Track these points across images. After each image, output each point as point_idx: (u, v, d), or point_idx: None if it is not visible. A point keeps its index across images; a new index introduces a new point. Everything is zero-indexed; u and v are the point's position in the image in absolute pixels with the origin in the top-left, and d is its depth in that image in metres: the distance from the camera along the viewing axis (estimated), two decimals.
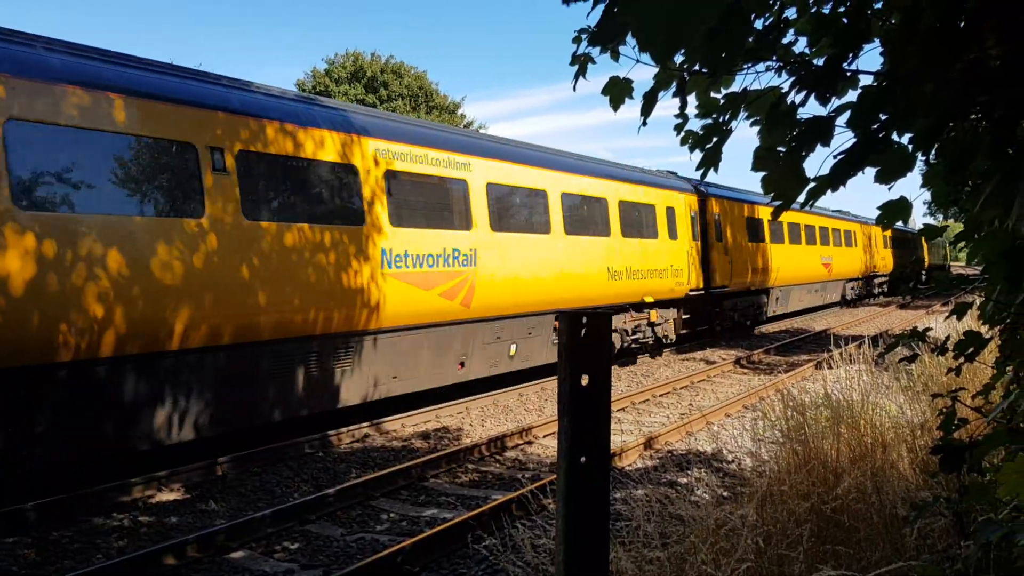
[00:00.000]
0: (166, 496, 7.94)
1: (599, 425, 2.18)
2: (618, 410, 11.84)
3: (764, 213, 22.40)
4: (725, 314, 20.55)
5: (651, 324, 16.77)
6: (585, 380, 2.17)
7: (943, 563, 3.26)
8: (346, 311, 9.67)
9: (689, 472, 7.40)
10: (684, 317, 18.31)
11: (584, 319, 2.16)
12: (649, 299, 16.25)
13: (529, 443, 9.88)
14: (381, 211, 10.27)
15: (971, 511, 3.69)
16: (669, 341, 17.92)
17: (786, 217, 24.25)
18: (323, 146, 9.59)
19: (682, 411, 11.71)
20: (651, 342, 17.10)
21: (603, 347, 2.22)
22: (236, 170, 8.56)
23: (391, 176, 10.54)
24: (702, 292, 18.47)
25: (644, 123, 2.81)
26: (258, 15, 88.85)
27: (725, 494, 5.90)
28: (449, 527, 6.26)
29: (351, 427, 10.52)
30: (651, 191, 16.82)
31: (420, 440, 10.27)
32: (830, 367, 8.10)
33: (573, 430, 2.12)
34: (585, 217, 14.71)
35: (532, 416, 11.41)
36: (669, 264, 17.07)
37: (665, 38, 0.77)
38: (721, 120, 2.77)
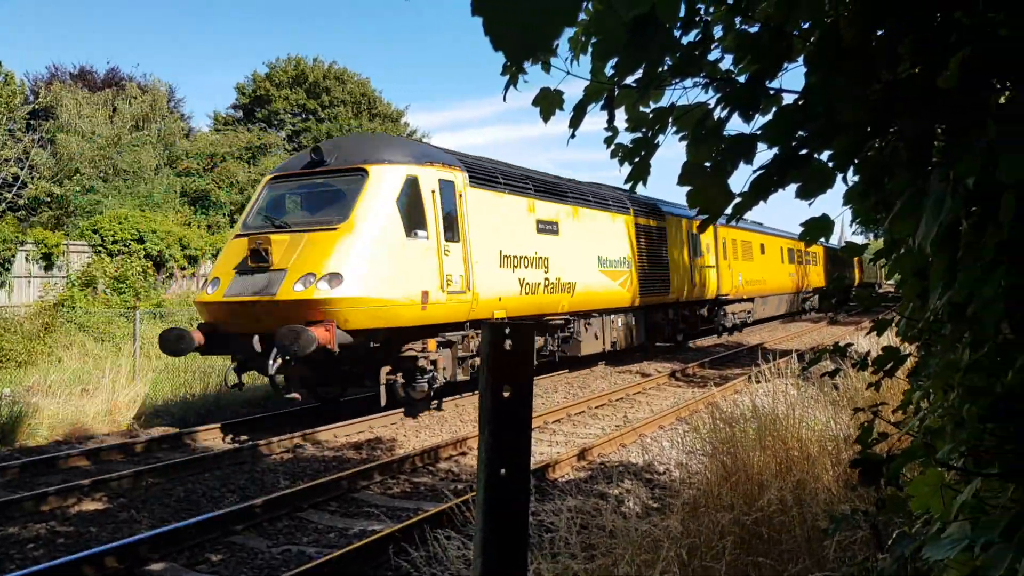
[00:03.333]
0: (87, 506, 7.69)
1: (520, 437, 2.16)
2: (553, 422, 11.87)
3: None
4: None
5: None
6: (507, 392, 2.15)
7: (860, 575, 3.32)
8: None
9: (620, 484, 7.44)
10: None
11: (507, 330, 2.14)
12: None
13: (463, 454, 9.83)
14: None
15: (889, 524, 3.77)
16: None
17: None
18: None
19: (617, 423, 11.79)
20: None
21: (526, 359, 2.20)
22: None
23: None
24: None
25: (573, 135, 2.83)
26: (195, 17, 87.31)
27: (655, 505, 5.95)
28: (377, 539, 6.18)
29: (281, 437, 10.34)
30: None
31: (352, 451, 10.14)
32: (759, 381, 8.22)
33: (494, 442, 2.09)
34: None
35: (468, 427, 11.36)
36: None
37: (520, 37, 0.74)
38: (650, 134, 2.80)
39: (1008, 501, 1.59)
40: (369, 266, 10.40)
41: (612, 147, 2.99)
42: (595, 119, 3.22)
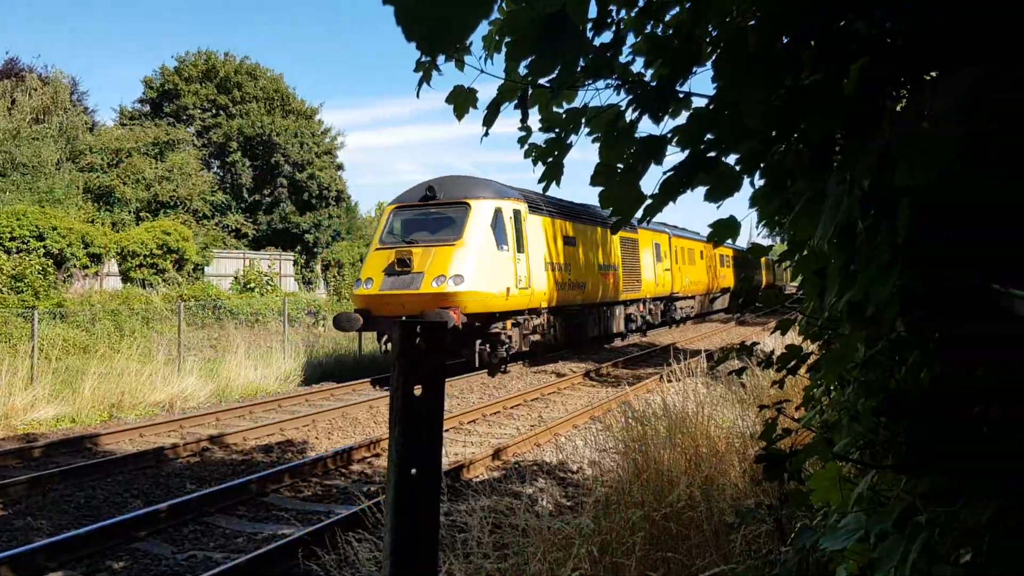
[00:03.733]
0: None
1: (431, 436, 2.14)
2: (469, 422, 11.85)
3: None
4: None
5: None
6: (418, 390, 2.13)
7: (764, 568, 3.41)
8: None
9: (535, 483, 7.48)
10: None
11: (419, 328, 2.12)
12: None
13: (377, 456, 9.73)
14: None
15: (792, 517, 3.89)
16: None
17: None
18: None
19: (532, 423, 11.85)
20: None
21: (437, 357, 2.18)
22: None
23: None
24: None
25: (486, 133, 2.82)
26: (101, 7, 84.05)
27: (568, 504, 5.99)
28: (286, 543, 6.06)
29: (188, 441, 10.05)
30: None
31: (262, 454, 9.92)
32: (670, 380, 8.38)
33: (404, 441, 2.07)
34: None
35: (381, 429, 11.25)
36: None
37: (432, 28, 0.73)
38: (563, 134, 2.81)
39: (901, 492, 1.65)
40: (478, 270, 15.20)
41: (526, 147, 3.00)
42: (510, 120, 3.20)
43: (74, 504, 7.70)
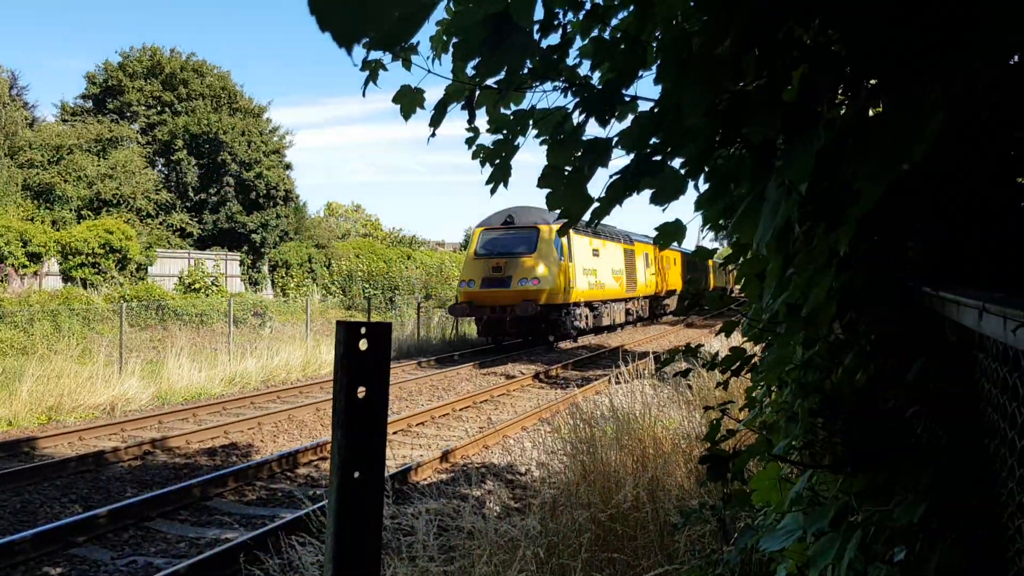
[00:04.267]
0: None
1: (375, 439, 2.11)
2: (417, 424, 11.80)
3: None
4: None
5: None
6: (362, 392, 2.11)
7: (708, 567, 3.44)
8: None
9: (482, 485, 7.47)
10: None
11: (363, 329, 2.10)
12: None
13: (324, 459, 9.62)
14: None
15: (736, 518, 3.94)
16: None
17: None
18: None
19: (480, 425, 11.84)
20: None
21: (382, 358, 2.16)
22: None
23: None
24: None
25: (433, 134, 2.81)
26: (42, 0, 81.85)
27: (515, 506, 6.00)
28: (228, 548, 5.95)
29: (129, 444, 9.84)
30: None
31: (206, 457, 9.75)
32: (619, 382, 8.44)
33: (347, 444, 2.04)
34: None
35: (328, 431, 11.12)
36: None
37: (345, 19, 0.71)
38: (510, 136, 2.81)
39: (838, 492, 1.68)
40: (547, 275, 22.06)
41: (474, 148, 2.99)
42: (460, 120, 3.18)
43: (10, 509, 7.47)
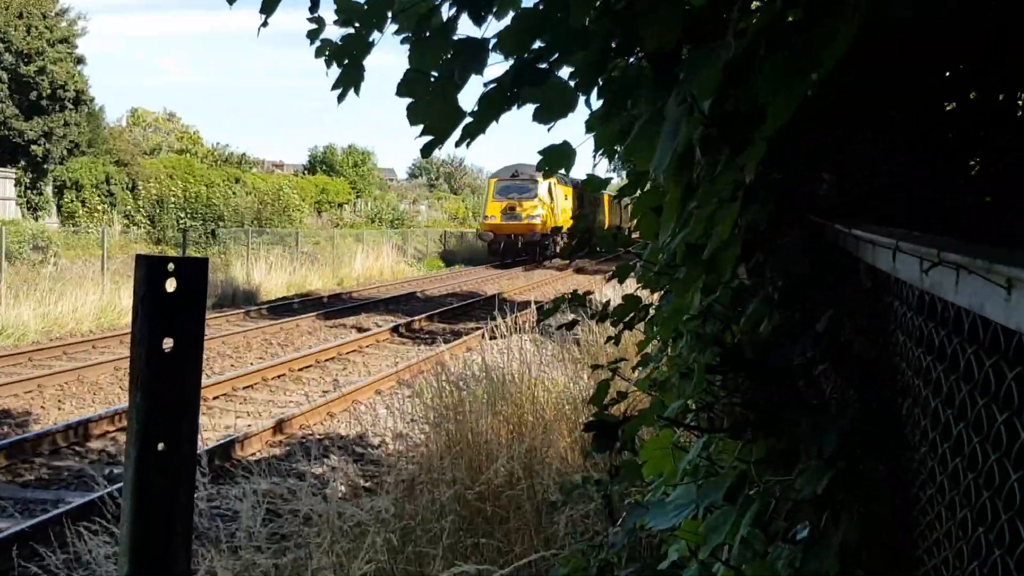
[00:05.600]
0: None
1: (184, 403, 2.07)
2: (244, 388, 11.66)
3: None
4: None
5: None
6: (168, 345, 2.06)
7: (591, 552, 3.57)
8: None
9: (325, 461, 7.48)
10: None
11: (171, 265, 2.04)
12: None
13: (123, 430, 9.38)
14: None
15: (625, 494, 4.09)
16: None
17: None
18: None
19: (325, 388, 11.81)
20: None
21: (196, 303, 2.11)
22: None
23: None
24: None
25: (265, 23, 2.73)
26: None
27: (365, 485, 6.04)
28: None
29: None
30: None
31: None
32: (494, 337, 8.56)
33: (148, 408, 2.00)
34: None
35: None
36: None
37: None
38: (364, 31, 2.75)
39: (735, 460, 1.77)
40: (543, 211, 41.87)
41: (318, 44, 2.90)
42: (301, 9, 3.05)
43: None
